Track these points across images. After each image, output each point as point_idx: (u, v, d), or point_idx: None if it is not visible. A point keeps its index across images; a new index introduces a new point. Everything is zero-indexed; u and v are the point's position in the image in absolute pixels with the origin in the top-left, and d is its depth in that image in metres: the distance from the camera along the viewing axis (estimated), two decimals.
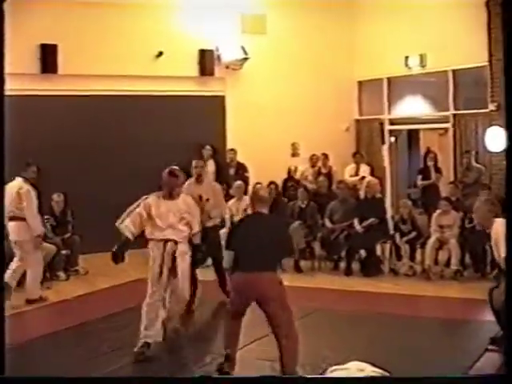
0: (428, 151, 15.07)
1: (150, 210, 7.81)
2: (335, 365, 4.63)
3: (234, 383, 4.98)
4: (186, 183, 9.25)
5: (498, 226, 7.07)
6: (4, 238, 5.06)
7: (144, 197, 8.05)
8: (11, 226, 9.90)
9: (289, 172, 15.02)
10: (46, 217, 11.89)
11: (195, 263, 8.23)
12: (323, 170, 14.90)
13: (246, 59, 15.02)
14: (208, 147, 14.37)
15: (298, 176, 14.96)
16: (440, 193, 13.62)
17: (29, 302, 10.00)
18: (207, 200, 9.59)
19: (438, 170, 14.10)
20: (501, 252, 6.96)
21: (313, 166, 15.18)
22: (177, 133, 14.28)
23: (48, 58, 13.35)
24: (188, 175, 13.92)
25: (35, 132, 13.07)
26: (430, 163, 14.08)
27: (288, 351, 6.53)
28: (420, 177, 14.15)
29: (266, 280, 6.51)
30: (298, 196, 13.07)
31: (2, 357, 4.46)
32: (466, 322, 8.81)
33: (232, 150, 14.75)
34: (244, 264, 6.59)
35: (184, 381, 5.40)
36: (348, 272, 11.84)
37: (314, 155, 15.21)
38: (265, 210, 6.83)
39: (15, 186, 9.96)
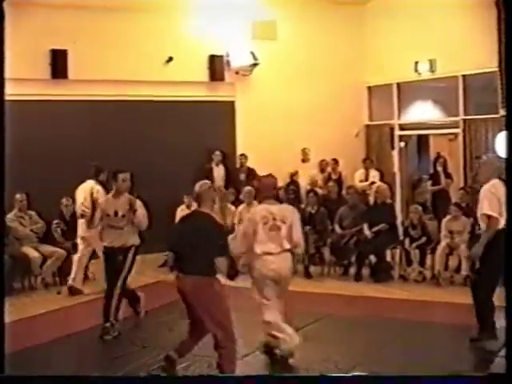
0: (438, 156, 15.05)
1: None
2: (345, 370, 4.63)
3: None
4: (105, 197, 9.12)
5: (491, 185, 7.56)
6: (5, 240, 5.07)
7: None
8: (80, 222, 11.07)
9: (291, 176, 15.02)
10: (55, 221, 11.92)
11: None
12: (333, 176, 14.90)
13: (255, 65, 15.03)
14: (218, 152, 14.41)
15: (308, 182, 14.92)
16: (450, 198, 13.60)
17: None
18: (123, 216, 8.59)
19: (448, 176, 14.07)
20: (483, 208, 7.58)
21: (322, 171, 15.18)
22: (187, 138, 14.30)
23: (58, 63, 13.38)
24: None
25: (45, 137, 13.12)
26: (440, 168, 14.06)
27: (223, 357, 6.44)
28: (430, 182, 14.11)
29: (198, 283, 6.33)
30: (297, 200, 13.11)
31: (2, 356, 4.47)
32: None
33: (242, 155, 14.76)
34: (181, 266, 6.48)
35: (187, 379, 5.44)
36: (358, 278, 11.82)
37: (323, 160, 15.21)
38: (207, 209, 6.62)
39: (88, 187, 11.01)
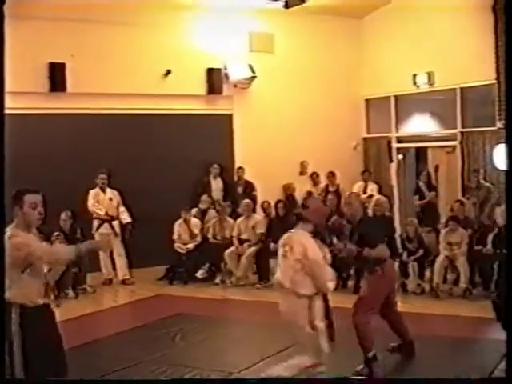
0: (426, 171, 15.07)
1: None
2: None
3: None
4: None
5: None
6: (4, 239, 5.07)
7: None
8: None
9: (284, 189, 15.07)
10: (55, 233, 11.89)
11: None
12: (331, 188, 14.91)
13: (253, 78, 15.05)
14: (216, 165, 14.41)
15: (303, 195, 14.93)
16: (438, 210, 13.70)
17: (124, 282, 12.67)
18: None
19: (432, 188, 14.09)
20: None
21: (314, 184, 15.20)
22: (185, 151, 14.31)
23: (57, 76, 13.39)
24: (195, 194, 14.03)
25: (44, 150, 13.12)
26: (422, 183, 14.07)
27: None
28: (417, 197, 14.08)
29: None
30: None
31: (2, 357, 4.45)
32: (476, 340, 8.76)
33: (240, 168, 14.76)
34: None
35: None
36: (356, 290, 11.77)
37: (314, 173, 15.28)
38: None
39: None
